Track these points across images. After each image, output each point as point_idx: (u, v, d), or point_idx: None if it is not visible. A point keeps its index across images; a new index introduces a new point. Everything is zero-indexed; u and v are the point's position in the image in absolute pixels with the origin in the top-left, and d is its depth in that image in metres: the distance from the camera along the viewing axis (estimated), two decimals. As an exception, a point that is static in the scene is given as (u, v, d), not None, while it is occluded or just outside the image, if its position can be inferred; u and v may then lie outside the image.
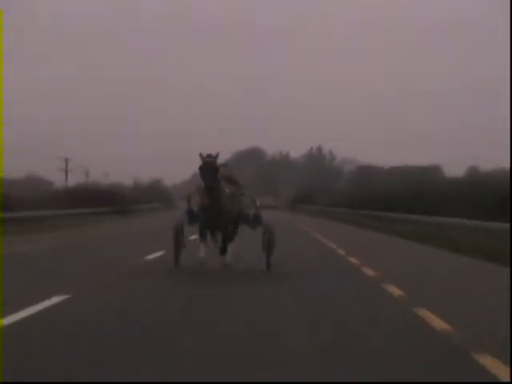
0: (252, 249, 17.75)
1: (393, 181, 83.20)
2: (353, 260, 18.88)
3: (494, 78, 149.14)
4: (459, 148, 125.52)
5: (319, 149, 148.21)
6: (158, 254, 19.16)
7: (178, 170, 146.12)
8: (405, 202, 51.94)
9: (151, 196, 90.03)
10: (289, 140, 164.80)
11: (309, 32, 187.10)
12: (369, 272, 15.74)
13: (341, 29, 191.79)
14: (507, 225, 27.55)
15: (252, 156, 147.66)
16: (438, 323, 9.45)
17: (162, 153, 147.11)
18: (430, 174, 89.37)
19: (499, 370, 7.07)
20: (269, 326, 9.18)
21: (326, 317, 9.98)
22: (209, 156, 14.60)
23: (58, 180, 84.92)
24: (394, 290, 12.61)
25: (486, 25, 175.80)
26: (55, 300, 10.85)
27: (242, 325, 9.11)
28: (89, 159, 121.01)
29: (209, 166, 14.44)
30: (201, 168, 14.45)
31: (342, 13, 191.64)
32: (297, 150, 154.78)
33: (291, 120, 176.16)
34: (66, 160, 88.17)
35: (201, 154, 14.60)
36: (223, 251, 15.38)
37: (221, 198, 14.69)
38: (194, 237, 18.09)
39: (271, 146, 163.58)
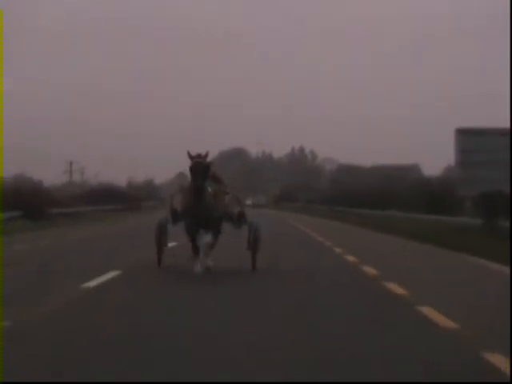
0: (235, 247, 17.80)
1: (372, 179, 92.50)
2: (322, 239, 28.22)
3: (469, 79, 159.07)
4: (437, 149, 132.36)
5: (301, 149, 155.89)
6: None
7: (163, 168, 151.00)
8: (374, 198, 61.82)
9: (146, 195, 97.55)
10: (271, 140, 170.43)
11: (285, 32, 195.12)
12: (330, 245, 24.59)
13: (318, 28, 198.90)
14: (435, 216, 37.61)
15: (236, 156, 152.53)
16: (369, 270, 15.40)
17: (143, 152, 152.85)
18: (409, 172, 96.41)
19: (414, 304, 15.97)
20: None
21: (302, 272, 15.60)
22: (198, 156, 14.51)
23: (46, 179, 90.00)
24: (351, 259, 18.37)
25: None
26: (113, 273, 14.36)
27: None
28: (78, 158, 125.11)
29: (199, 167, 14.34)
30: (191, 168, 14.37)
31: (293, 13, 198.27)
32: (279, 150, 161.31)
33: (273, 120, 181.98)
34: (71, 163, 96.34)
35: (189, 153, 14.50)
36: (208, 249, 14.95)
37: (205, 198, 14.63)
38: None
39: (254, 146, 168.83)
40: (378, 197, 59.19)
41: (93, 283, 12.93)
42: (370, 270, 15.50)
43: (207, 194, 14.62)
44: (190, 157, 14.46)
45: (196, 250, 14.67)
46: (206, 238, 14.65)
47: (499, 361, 7.22)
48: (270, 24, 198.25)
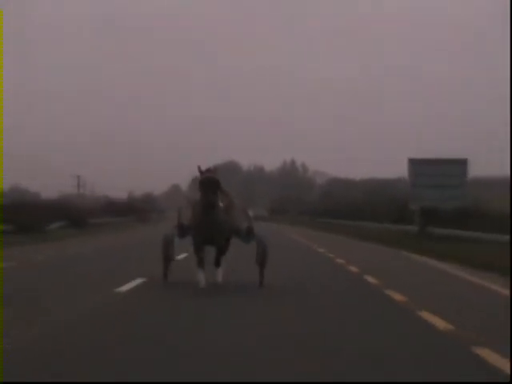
0: (244, 261, 18.29)
1: (359, 192, 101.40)
2: (309, 243, 36.79)
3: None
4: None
5: (292, 162, 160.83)
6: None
7: (157, 181, 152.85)
8: (353, 211, 71.79)
9: (148, 207, 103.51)
10: (262, 153, 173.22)
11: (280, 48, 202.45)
12: (320, 249, 30.19)
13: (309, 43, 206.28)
14: (397, 226, 47.65)
15: (228, 169, 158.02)
16: (339, 261, 28.16)
17: (138, 165, 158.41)
18: (395, 185, 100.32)
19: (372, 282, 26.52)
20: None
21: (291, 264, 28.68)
22: (208, 170, 14.47)
23: (41, 190, 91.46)
24: (334, 256, 25.40)
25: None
26: (139, 280, 15.92)
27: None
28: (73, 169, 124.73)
29: (210, 182, 14.26)
30: (202, 183, 14.29)
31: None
32: (271, 163, 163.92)
33: (265, 133, 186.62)
34: (78, 177, 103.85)
35: (199, 168, 14.48)
36: (217, 263, 15.21)
37: (216, 212, 14.49)
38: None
39: (246, 160, 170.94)
40: (356, 210, 69.38)
41: (123, 288, 14.78)
42: (340, 261, 23.84)
43: (219, 210, 14.54)
44: (200, 171, 14.45)
45: (201, 264, 14.65)
46: (218, 277, 15.04)
47: (433, 319, 10.93)
48: (263, 35, 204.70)
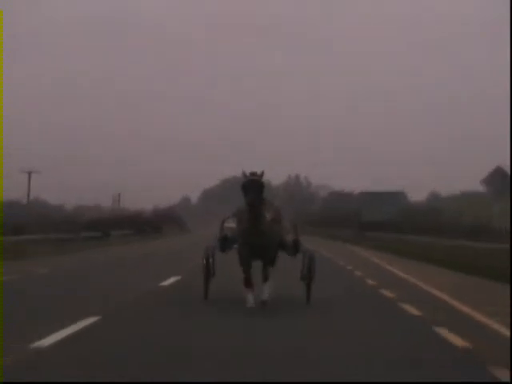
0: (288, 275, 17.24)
1: (357, 205, 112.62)
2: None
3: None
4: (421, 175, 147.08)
5: (296, 177, 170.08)
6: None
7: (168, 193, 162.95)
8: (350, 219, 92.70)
9: (176, 219, 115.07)
10: (270, 168, 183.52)
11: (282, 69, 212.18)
12: (324, 252, 37.42)
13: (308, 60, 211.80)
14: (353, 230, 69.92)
15: (237, 182, 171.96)
16: (326, 253, 49.30)
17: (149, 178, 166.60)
18: (395, 198, 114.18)
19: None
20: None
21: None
22: (253, 174, 14.16)
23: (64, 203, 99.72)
24: (331, 256, 35.22)
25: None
26: (173, 279, 19.27)
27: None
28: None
29: (253, 184, 13.90)
30: (244, 186, 13.95)
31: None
32: (277, 177, 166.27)
33: (271, 148, 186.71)
34: (119, 195, 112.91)
35: (244, 173, 14.20)
36: (265, 278, 14.49)
37: (263, 221, 14.11)
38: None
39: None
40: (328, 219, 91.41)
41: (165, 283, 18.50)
42: (326, 253, 40.93)
43: (265, 221, 14.18)
44: (245, 176, 14.13)
45: (248, 283, 14.21)
46: (265, 293, 14.21)
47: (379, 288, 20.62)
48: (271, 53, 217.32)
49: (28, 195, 69.78)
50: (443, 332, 11.31)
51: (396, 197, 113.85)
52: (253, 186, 13.91)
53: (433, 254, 35.52)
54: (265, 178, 14.10)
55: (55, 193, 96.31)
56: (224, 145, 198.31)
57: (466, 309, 14.64)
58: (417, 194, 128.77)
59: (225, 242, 15.30)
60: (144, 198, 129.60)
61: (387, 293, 17.38)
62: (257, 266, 14.56)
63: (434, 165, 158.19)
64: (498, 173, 27.69)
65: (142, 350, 9.26)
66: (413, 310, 14.01)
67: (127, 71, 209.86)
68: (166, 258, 32.15)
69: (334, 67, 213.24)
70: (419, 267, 29.00)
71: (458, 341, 10.53)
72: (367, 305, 15.42)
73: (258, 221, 14.05)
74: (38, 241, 40.83)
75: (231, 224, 15.51)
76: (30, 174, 69.50)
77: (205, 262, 15.32)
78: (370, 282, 20.60)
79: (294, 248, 15.20)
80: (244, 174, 14.18)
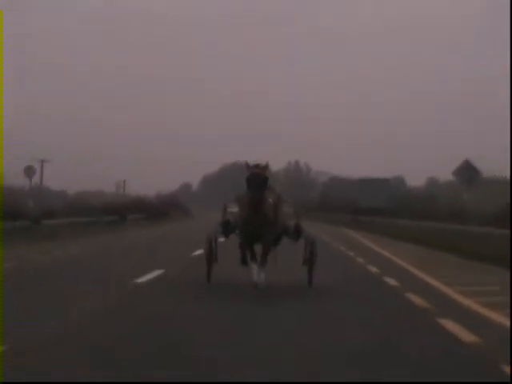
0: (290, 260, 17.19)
1: (358, 190, 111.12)
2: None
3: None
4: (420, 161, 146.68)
5: (296, 162, 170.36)
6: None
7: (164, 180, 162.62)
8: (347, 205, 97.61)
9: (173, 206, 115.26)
10: (269, 154, 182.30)
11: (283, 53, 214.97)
12: (322, 235, 38.35)
13: (312, 46, 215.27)
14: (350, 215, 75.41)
15: (237, 169, 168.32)
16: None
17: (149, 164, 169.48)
18: (393, 184, 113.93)
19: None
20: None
21: None
22: (256, 166, 14.30)
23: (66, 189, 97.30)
24: (324, 237, 37.48)
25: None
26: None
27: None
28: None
29: (257, 178, 14.07)
30: (248, 180, 14.11)
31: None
32: (276, 164, 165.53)
33: (271, 133, 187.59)
34: (124, 181, 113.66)
35: (247, 164, 14.34)
36: (262, 263, 14.51)
37: (265, 209, 14.33)
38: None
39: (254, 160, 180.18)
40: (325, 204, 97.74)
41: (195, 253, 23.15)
42: (323, 236, 48.46)
43: (267, 206, 14.39)
44: (248, 167, 14.27)
45: (253, 256, 14.56)
46: (261, 277, 14.25)
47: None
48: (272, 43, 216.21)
49: (41, 182, 73.69)
50: (411, 296, 13.83)
51: (394, 182, 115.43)
52: (257, 181, 14.14)
53: (406, 234, 41.06)
54: (265, 161, 14.44)
55: (56, 180, 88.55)
56: (225, 130, 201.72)
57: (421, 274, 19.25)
58: (415, 180, 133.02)
59: (227, 227, 15.64)
60: (144, 185, 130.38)
61: (360, 260, 23.21)
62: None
63: (430, 150, 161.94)
64: (466, 165, 33.51)
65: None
66: (392, 282, 16.70)
67: (127, 62, 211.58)
68: (186, 237, 38.16)
69: (332, 54, 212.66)
70: (393, 243, 35.51)
71: (418, 301, 13.01)
72: (340, 265, 20.80)
73: (260, 211, 14.34)
74: (64, 225, 45.04)
75: (234, 208, 15.63)
76: (42, 162, 73.63)
77: (208, 247, 15.68)
78: (350, 253, 26.69)
79: (296, 233, 15.63)
80: (247, 165, 14.38)
